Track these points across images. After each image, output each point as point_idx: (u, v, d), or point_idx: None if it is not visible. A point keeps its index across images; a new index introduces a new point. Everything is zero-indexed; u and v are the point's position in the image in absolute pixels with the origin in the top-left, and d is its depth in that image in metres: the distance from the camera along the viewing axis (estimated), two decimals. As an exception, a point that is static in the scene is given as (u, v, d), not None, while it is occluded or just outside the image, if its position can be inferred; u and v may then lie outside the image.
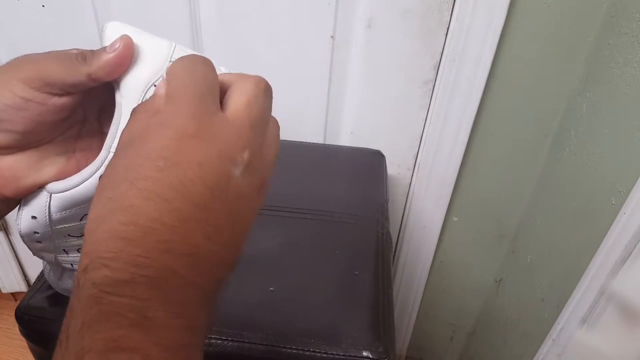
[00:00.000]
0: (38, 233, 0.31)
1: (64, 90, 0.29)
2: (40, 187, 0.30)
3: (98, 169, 0.29)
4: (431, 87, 0.73)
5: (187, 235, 0.22)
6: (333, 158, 0.75)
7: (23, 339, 0.47)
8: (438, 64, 0.71)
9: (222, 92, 0.27)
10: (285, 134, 0.92)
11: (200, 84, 0.25)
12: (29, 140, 0.30)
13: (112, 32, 0.31)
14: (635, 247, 0.51)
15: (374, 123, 0.79)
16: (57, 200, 0.30)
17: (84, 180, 0.29)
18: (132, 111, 0.27)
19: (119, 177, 0.23)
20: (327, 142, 0.82)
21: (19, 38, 0.77)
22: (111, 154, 0.29)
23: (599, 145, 0.62)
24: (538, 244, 0.77)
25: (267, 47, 0.73)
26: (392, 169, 0.80)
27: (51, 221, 0.31)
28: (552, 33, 0.66)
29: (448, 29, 0.68)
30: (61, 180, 0.30)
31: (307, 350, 0.43)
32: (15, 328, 0.46)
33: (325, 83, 0.76)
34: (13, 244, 1.07)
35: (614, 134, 0.59)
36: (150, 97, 0.27)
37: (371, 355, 0.43)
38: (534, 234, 0.79)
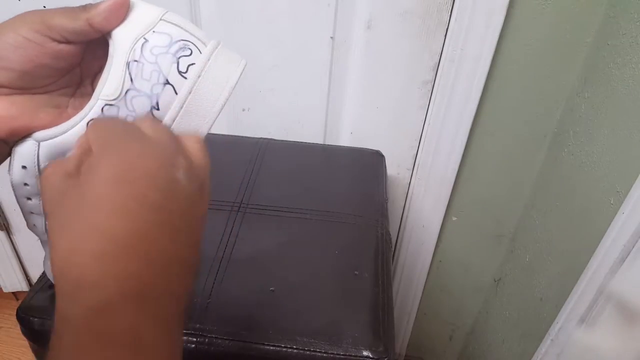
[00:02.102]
0: (28, 185, 0.32)
1: (64, 36, 0.31)
2: (30, 135, 0.31)
3: (85, 115, 0.30)
4: (430, 88, 0.74)
5: (157, 241, 0.24)
6: (333, 158, 0.75)
7: (24, 338, 0.47)
8: (437, 65, 0.71)
9: None
10: (285, 135, 0.92)
11: (117, 125, 0.28)
12: (25, 82, 0.31)
13: None
14: (633, 246, 0.51)
15: (374, 123, 0.79)
16: (46, 148, 0.31)
17: (72, 127, 0.30)
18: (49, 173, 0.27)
19: (78, 206, 0.24)
20: (327, 143, 0.83)
21: (19, 38, 0.77)
22: (100, 102, 0.31)
23: (597, 146, 0.62)
24: (537, 243, 0.78)
25: (267, 48, 0.73)
26: (391, 169, 0.81)
27: (40, 171, 0.31)
28: (551, 33, 0.66)
29: (447, 29, 0.68)
30: (49, 129, 0.31)
31: (308, 350, 0.43)
32: (16, 327, 0.46)
33: (325, 83, 0.76)
34: (14, 243, 1.07)
35: (612, 134, 0.60)
36: (70, 155, 0.28)
37: (371, 354, 0.44)
38: (533, 234, 0.79)
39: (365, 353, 0.44)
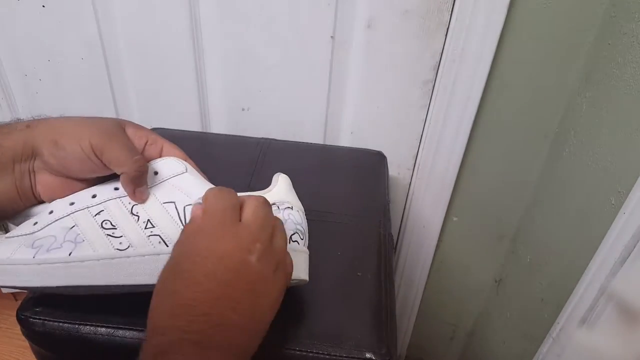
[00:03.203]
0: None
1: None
2: None
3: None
4: (431, 87, 0.73)
5: (217, 308, 0.32)
6: (335, 159, 0.75)
7: (24, 339, 0.47)
8: (438, 64, 0.71)
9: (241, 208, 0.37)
10: (285, 134, 0.92)
11: (225, 203, 0.36)
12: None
13: (281, 177, 0.47)
14: (634, 247, 0.51)
15: (374, 123, 0.79)
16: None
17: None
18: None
19: (170, 272, 0.33)
20: (327, 143, 0.82)
21: (19, 38, 0.77)
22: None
23: (598, 146, 0.62)
24: (538, 244, 0.77)
25: (267, 47, 0.73)
26: (392, 169, 0.81)
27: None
28: (551, 33, 0.66)
29: (448, 29, 0.68)
30: None
31: (310, 352, 0.43)
32: (15, 328, 0.46)
33: (325, 83, 0.76)
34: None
35: (613, 134, 0.59)
36: (191, 215, 0.37)
37: (374, 356, 0.43)
38: (534, 234, 0.79)
39: (368, 355, 0.43)
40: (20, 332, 0.46)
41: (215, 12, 0.71)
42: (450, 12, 0.67)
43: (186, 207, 0.40)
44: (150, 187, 0.40)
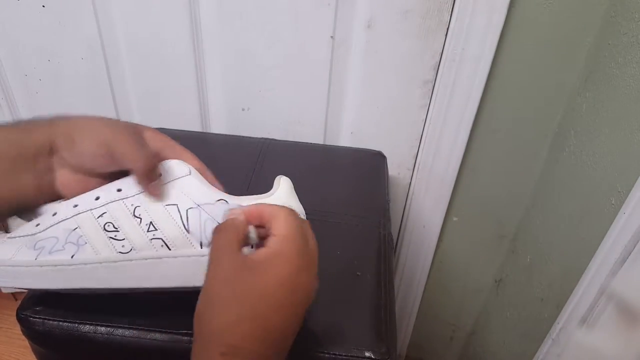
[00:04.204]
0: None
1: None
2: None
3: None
4: (431, 87, 0.73)
5: (293, 333, 0.35)
6: (335, 159, 0.75)
7: (23, 338, 0.47)
8: (438, 64, 0.71)
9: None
10: (285, 134, 0.92)
11: (301, 228, 0.37)
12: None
13: (282, 180, 0.45)
14: (634, 247, 0.51)
15: (374, 123, 0.79)
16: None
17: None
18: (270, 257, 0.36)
19: (254, 291, 0.33)
20: (327, 143, 0.82)
21: (19, 38, 0.77)
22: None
23: (598, 145, 0.62)
24: (538, 244, 0.77)
25: (267, 47, 0.73)
26: (392, 169, 0.81)
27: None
28: (551, 33, 0.66)
29: (448, 29, 0.68)
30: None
31: (310, 351, 0.43)
32: (15, 328, 0.46)
33: (325, 83, 0.76)
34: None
35: (613, 134, 0.59)
36: (269, 238, 0.37)
37: (374, 355, 0.43)
38: (534, 234, 0.79)
39: (367, 354, 0.43)
40: (20, 332, 0.46)
41: (215, 12, 0.71)
42: (450, 12, 0.67)
43: (189, 210, 0.39)
44: None
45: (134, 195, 0.40)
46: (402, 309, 1.00)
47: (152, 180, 0.40)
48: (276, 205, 0.39)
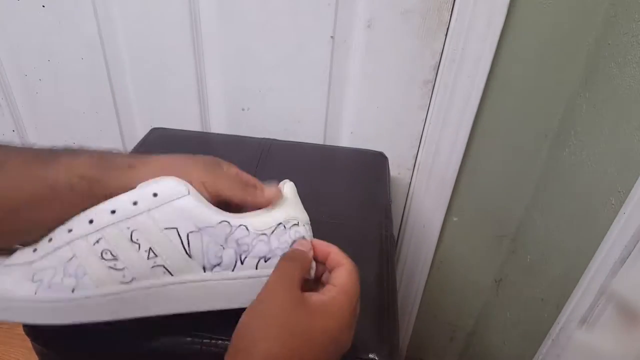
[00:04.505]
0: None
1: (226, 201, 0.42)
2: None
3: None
4: (431, 88, 0.73)
5: None
6: (337, 160, 0.75)
7: (24, 339, 0.47)
8: (438, 64, 0.71)
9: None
10: (285, 134, 0.92)
11: (357, 288, 0.38)
12: None
13: (286, 186, 0.45)
14: (634, 247, 0.51)
15: (374, 123, 0.79)
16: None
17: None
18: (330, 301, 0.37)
19: (302, 331, 0.33)
20: (327, 143, 0.82)
21: (19, 38, 0.77)
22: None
23: (598, 145, 0.62)
24: (538, 244, 0.77)
25: (267, 47, 0.73)
26: (392, 169, 0.81)
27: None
28: (552, 33, 0.66)
29: (448, 29, 0.68)
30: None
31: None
32: (15, 328, 0.46)
33: (325, 83, 0.76)
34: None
35: (613, 134, 0.59)
36: (329, 285, 0.38)
37: (376, 357, 0.43)
38: (534, 234, 0.79)
39: (370, 355, 0.43)
40: (21, 333, 0.46)
41: (215, 12, 0.71)
42: (450, 12, 0.67)
43: (189, 234, 0.38)
44: (149, 211, 0.37)
45: (129, 218, 0.37)
46: (402, 309, 1.00)
47: (255, 190, 0.40)
48: (344, 254, 0.40)
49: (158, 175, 0.38)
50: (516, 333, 0.82)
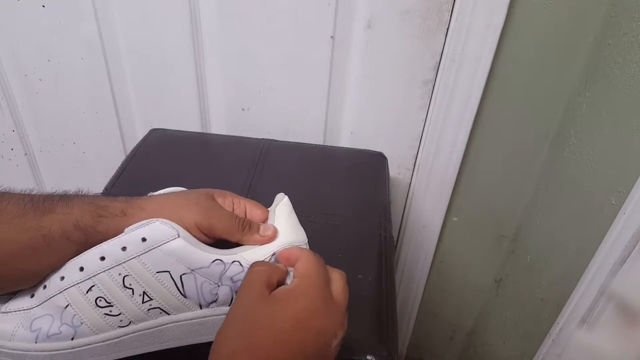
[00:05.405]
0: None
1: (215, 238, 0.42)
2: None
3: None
4: (431, 87, 0.73)
5: None
6: (336, 160, 0.75)
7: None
8: (438, 64, 0.71)
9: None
10: (285, 134, 0.92)
11: (324, 273, 0.37)
12: None
13: (278, 207, 0.43)
14: (635, 247, 0.51)
15: (374, 123, 0.79)
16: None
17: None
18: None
19: (262, 322, 0.33)
20: (327, 143, 0.82)
21: (19, 38, 0.77)
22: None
23: (598, 145, 0.62)
24: (538, 244, 0.77)
25: (267, 47, 0.73)
26: (392, 169, 0.81)
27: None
28: (552, 33, 0.66)
29: (448, 29, 0.68)
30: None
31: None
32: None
33: (325, 83, 0.76)
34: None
35: (613, 134, 0.59)
36: (287, 278, 0.37)
37: (375, 358, 0.43)
38: (534, 234, 0.79)
39: (369, 357, 0.43)
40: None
41: (215, 12, 0.71)
42: (450, 12, 0.67)
43: (183, 276, 0.37)
44: (139, 255, 0.37)
45: (119, 264, 0.37)
46: (402, 309, 1.00)
47: (257, 232, 0.40)
48: (301, 248, 0.39)
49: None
50: (516, 333, 0.82)
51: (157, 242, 0.37)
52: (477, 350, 1.00)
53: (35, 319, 0.37)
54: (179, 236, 0.37)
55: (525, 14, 0.65)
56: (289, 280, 0.37)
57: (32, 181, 0.95)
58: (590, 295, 0.57)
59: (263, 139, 0.76)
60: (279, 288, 0.35)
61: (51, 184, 0.97)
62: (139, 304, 0.37)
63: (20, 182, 0.95)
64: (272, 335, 0.32)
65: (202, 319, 0.39)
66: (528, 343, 0.75)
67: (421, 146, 0.79)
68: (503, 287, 0.90)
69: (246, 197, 0.46)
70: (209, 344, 0.34)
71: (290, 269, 0.38)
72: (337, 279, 0.37)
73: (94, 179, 0.92)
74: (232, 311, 0.34)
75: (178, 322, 0.39)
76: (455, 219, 0.88)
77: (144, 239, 0.37)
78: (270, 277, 0.36)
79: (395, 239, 0.91)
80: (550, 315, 0.68)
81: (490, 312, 0.95)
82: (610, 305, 0.55)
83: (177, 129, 0.79)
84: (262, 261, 0.38)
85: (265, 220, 0.43)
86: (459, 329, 1.05)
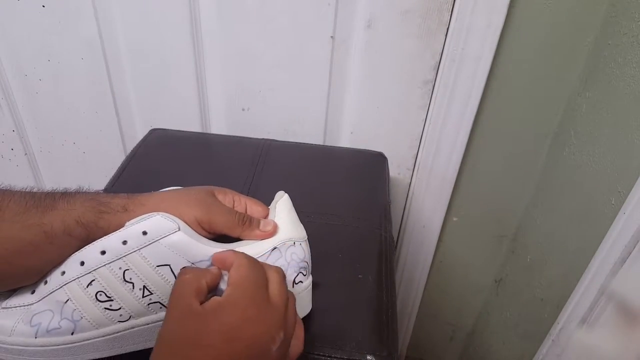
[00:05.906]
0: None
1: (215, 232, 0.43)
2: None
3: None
4: (431, 88, 0.73)
5: None
6: (336, 160, 0.75)
7: None
8: (438, 64, 0.71)
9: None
10: (285, 134, 0.92)
11: (257, 276, 0.35)
12: None
13: (279, 204, 0.44)
14: (634, 247, 0.51)
15: (374, 123, 0.79)
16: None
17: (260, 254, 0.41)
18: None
19: (193, 339, 0.31)
20: (327, 143, 0.82)
21: (19, 38, 0.77)
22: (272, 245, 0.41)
23: (598, 145, 0.62)
24: (538, 244, 0.77)
25: (267, 47, 0.73)
26: (392, 169, 0.81)
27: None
28: (552, 33, 0.66)
29: (448, 29, 0.68)
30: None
31: (311, 353, 0.43)
32: None
33: (325, 83, 0.76)
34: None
35: (613, 134, 0.59)
36: (221, 282, 0.36)
37: (375, 358, 0.43)
38: (534, 234, 0.79)
39: (368, 357, 0.43)
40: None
41: (215, 12, 0.71)
42: (450, 12, 0.67)
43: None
44: (140, 249, 0.37)
45: (120, 258, 0.37)
46: (402, 309, 1.00)
47: (257, 227, 0.41)
48: (235, 252, 0.37)
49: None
50: (516, 333, 0.82)
51: (158, 235, 0.37)
52: (477, 351, 1.00)
53: (36, 314, 0.37)
54: (179, 229, 0.37)
55: (525, 14, 0.65)
56: (222, 285, 0.36)
57: (32, 181, 0.95)
58: (590, 295, 0.58)
59: (263, 139, 0.76)
60: (211, 299, 0.34)
61: (51, 184, 0.97)
62: (139, 298, 0.37)
63: (20, 182, 0.95)
64: (203, 352, 0.31)
65: None
66: (528, 343, 0.75)
67: (421, 146, 0.79)
68: (503, 287, 0.90)
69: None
70: None
71: (224, 272, 0.36)
72: (274, 280, 0.36)
73: (94, 179, 0.92)
74: (163, 327, 0.33)
75: None
76: (455, 219, 0.88)
77: (144, 233, 0.37)
78: (199, 284, 0.34)
79: (395, 239, 0.91)
80: (550, 315, 0.68)
81: (490, 312, 0.95)
82: (610, 305, 0.55)
83: (177, 129, 0.79)
84: (189, 267, 0.37)
85: (265, 217, 0.43)
86: (458, 329, 1.05)
